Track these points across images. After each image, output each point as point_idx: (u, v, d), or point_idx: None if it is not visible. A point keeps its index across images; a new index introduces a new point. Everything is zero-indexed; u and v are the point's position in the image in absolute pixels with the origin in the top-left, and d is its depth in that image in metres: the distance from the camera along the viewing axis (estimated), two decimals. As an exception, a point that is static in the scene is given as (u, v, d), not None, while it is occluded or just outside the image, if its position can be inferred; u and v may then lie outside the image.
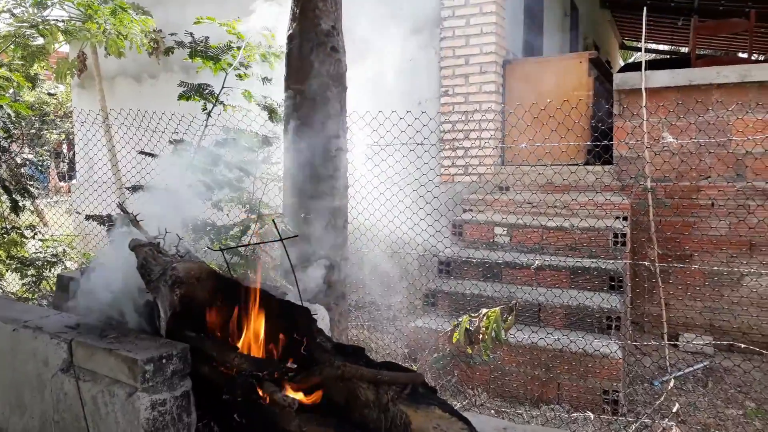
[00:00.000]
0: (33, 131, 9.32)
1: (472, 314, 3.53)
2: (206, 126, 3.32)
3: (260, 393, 2.01)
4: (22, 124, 4.32)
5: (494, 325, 3.49)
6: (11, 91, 4.43)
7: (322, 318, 2.54)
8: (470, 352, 3.84)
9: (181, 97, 3.46)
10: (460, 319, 3.51)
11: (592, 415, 4.79)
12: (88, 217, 2.63)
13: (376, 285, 5.47)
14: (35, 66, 5.54)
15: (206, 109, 3.49)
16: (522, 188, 5.81)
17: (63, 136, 9.19)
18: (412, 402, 1.92)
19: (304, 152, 3.37)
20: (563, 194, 5.59)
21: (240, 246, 2.24)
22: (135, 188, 3.30)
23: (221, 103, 3.48)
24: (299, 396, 1.99)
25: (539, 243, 5.54)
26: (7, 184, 4.24)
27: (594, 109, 5.98)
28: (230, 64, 3.53)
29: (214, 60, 3.59)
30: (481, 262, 5.38)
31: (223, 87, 3.45)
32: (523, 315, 5.25)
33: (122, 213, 2.47)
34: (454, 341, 3.47)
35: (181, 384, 2.03)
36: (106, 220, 2.64)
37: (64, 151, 9.50)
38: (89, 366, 2.03)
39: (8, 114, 3.90)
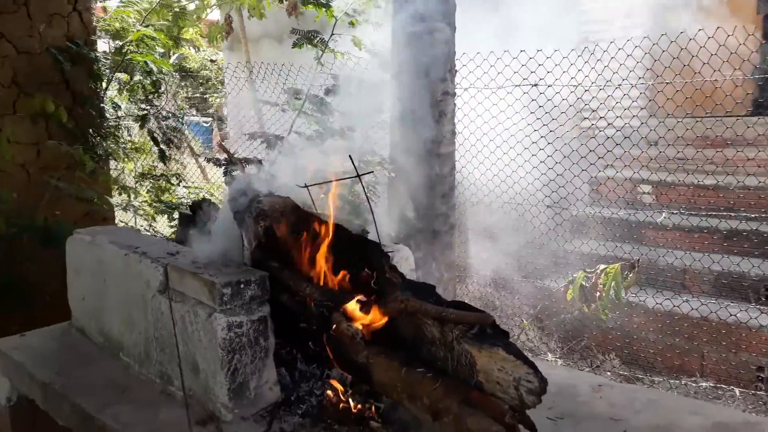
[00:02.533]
0: (197, 95, 10.15)
1: (588, 270, 3.30)
2: (317, 74, 3.39)
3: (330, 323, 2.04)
4: (166, 79, 4.71)
5: (612, 283, 3.24)
6: (159, 50, 4.83)
7: (406, 258, 2.51)
8: (586, 310, 3.61)
9: (294, 45, 3.55)
10: (575, 275, 3.31)
11: (738, 391, 4.34)
12: (207, 160, 2.80)
13: (503, 242, 5.30)
14: (184, 29, 6.01)
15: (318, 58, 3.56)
16: (671, 142, 5.28)
17: (223, 100, 9.91)
18: (476, 342, 1.84)
19: (407, 97, 3.33)
20: (719, 150, 4.97)
21: (321, 183, 2.26)
22: (252, 136, 3.47)
23: (331, 50, 3.53)
24: (368, 319, 1.99)
25: (689, 202, 5.04)
26: (155, 135, 4.67)
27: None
28: (342, 11, 3.55)
29: (326, 6, 3.64)
30: (622, 222, 5.02)
31: (332, 34, 3.49)
32: (665, 279, 4.85)
33: (225, 153, 2.60)
34: (568, 298, 3.28)
35: (258, 309, 2.12)
36: (221, 162, 2.81)
37: (225, 113, 10.31)
38: (180, 288, 2.19)
39: (152, 69, 4.28)
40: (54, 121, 4.45)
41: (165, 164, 4.72)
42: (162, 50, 5.02)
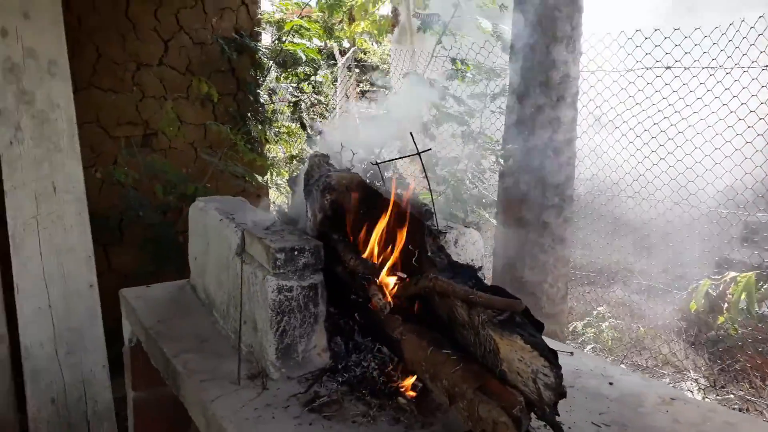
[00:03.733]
0: (376, 88, 10.56)
1: (714, 277, 2.89)
2: (432, 57, 3.40)
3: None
4: (314, 68, 5.02)
5: (743, 294, 2.82)
6: (315, 41, 5.16)
7: (473, 242, 2.43)
8: (713, 323, 3.17)
9: (418, 29, 3.58)
10: (699, 282, 2.92)
11: None
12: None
13: (651, 242, 4.85)
14: (356, 23, 6.34)
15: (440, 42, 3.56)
16: None
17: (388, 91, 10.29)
18: (500, 328, 1.75)
19: (523, 80, 3.20)
20: None
21: (389, 161, 2.29)
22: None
23: (452, 34, 3.51)
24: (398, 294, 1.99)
25: None
26: (304, 121, 5.02)
27: None
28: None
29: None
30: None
31: (453, 16, 3.46)
32: None
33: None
34: (692, 308, 2.90)
35: (310, 277, 2.21)
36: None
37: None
38: (251, 251, 2.36)
39: (302, 58, 4.60)
40: (213, 104, 4.98)
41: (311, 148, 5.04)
42: (318, 41, 5.36)
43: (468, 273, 2.02)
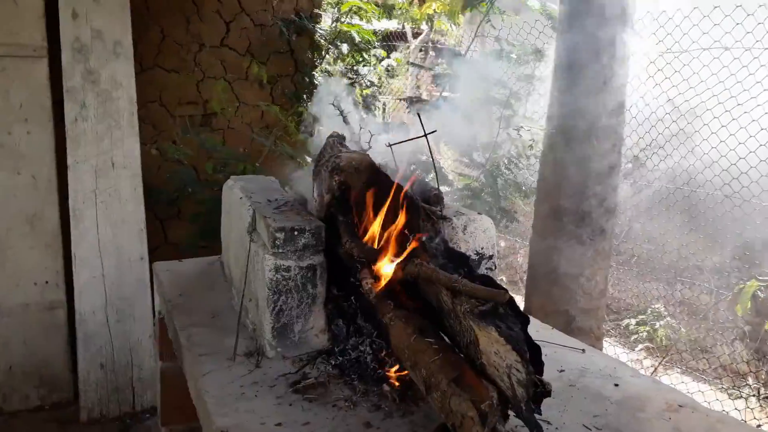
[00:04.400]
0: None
1: (762, 278, 2.62)
2: (475, 36, 3.27)
3: (363, 279, 2.03)
4: (368, 47, 4.97)
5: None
6: (375, 22, 5.12)
7: (484, 230, 2.33)
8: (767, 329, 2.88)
9: (464, 8, 3.47)
10: (747, 283, 2.66)
11: None
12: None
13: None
14: (427, 3, 6.24)
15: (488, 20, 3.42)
16: None
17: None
18: (479, 319, 1.67)
19: (568, 60, 3.02)
20: None
21: (400, 142, 2.22)
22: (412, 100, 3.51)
23: (498, 11, 3.36)
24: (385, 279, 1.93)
25: None
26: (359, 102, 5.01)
27: None
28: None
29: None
30: None
31: (496, -5, 3.32)
32: None
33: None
34: (738, 312, 2.65)
35: (310, 258, 2.19)
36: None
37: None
38: (258, 229, 2.37)
39: (355, 39, 4.57)
40: (271, 85, 5.05)
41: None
42: (377, 22, 5.31)
43: (461, 260, 1.93)
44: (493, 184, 3.38)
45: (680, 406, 1.89)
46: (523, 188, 3.64)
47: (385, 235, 2.09)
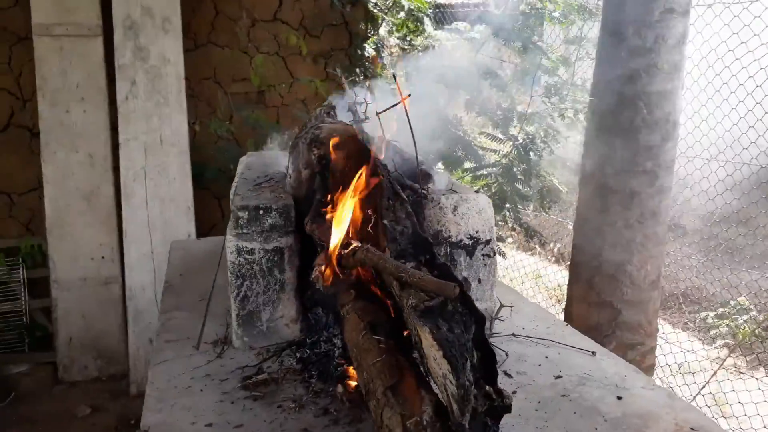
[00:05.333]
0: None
1: None
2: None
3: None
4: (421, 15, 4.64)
5: None
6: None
7: (479, 210, 2.02)
8: None
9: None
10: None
11: None
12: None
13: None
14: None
15: None
16: None
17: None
18: (420, 317, 1.40)
19: (613, 16, 2.59)
20: None
21: (385, 110, 1.95)
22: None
23: None
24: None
25: None
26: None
27: None
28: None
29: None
30: None
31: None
32: None
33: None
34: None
35: (277, 239, 1.99)
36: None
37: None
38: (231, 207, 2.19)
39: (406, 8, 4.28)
40: (325, 59, 4.87)
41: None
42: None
43: (424, 246, 1.65)
44: (526, 160, 2.99)
45: (692, 429, 1.52)
46: (567, 164, 3.21)
47: (355, 215, 1.84)
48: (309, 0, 5.04)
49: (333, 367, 1.83)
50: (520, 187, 3.17)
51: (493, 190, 3.15)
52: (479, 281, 2.10)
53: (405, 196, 1.77)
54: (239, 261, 1.96)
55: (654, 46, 2.57)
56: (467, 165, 3.35)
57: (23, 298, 4.73)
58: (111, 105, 4.49)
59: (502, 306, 2.17)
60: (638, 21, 2.56)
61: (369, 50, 4.72)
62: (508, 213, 3.19)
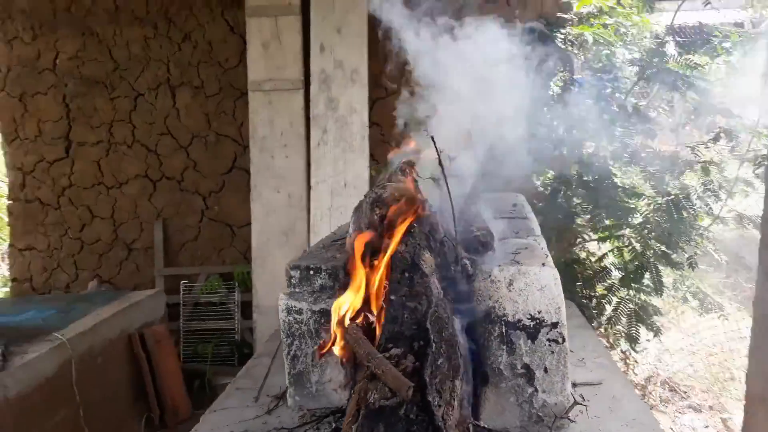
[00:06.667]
0: None
1: None
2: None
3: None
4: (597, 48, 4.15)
5: None
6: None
7: (541, 287, 1.73)
8: None
9: None
10: None
11: None
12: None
13: None
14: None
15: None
16: None
17: None
18: (369, 417, 1.28)
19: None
20: None
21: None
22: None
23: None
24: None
25: None
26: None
27: None
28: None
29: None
30: None
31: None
32: None
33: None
34: None
35: (325, 301, 1.97)
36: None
37: None
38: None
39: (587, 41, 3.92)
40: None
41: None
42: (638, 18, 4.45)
43: (438, 327, 1.48)
44: (676, 218, 2.40)
45: None
46: (748, 223, 2.48)
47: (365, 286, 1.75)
48: (498, 40, 4.93)
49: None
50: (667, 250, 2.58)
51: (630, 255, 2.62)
52: (545, 370, 1.80)
53: (427, 268, 1.62)
54: (289, 320, 1.99)
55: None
56: (608, 222, 2.87)
57: (236, 318, 5.37)
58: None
59: (575, 403, 1.82)
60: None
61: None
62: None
